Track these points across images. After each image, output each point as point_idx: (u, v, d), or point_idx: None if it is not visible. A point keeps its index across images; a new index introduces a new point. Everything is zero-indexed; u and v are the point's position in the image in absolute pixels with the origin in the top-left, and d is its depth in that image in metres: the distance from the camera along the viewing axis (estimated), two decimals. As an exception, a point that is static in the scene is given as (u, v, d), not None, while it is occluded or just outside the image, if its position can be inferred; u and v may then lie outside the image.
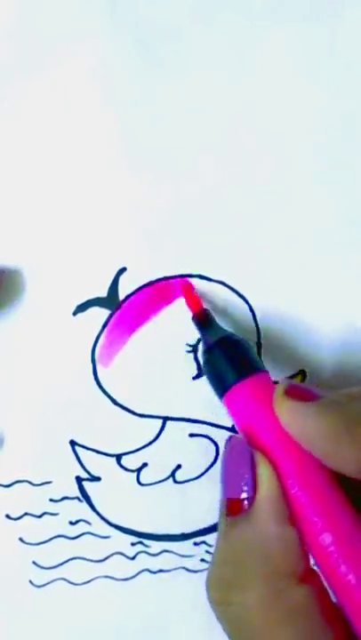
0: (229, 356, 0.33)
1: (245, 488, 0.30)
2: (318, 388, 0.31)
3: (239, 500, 0.30)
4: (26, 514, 0.38)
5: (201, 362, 0.35)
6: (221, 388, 0.33)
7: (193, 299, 0.36)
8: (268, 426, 0.31)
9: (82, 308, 0.36)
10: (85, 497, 0.39)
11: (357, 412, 0.29)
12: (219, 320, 0.35)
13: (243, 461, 0.30)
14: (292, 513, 0.29)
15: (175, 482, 0.39)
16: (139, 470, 0.38)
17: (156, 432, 0.38)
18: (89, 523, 0.39)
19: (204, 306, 0.36)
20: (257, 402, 0.31)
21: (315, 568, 0.29)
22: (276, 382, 0.32)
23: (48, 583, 0.39)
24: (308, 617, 0.28)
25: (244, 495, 0.30)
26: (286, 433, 0.30)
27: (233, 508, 0.30)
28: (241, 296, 0.37)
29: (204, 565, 0.40)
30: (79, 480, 0.38)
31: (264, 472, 0.30)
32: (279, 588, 0.28)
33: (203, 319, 0.35)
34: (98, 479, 0.38)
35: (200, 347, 0.37)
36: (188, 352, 0.37)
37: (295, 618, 0.28)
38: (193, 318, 0.35)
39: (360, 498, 0.29)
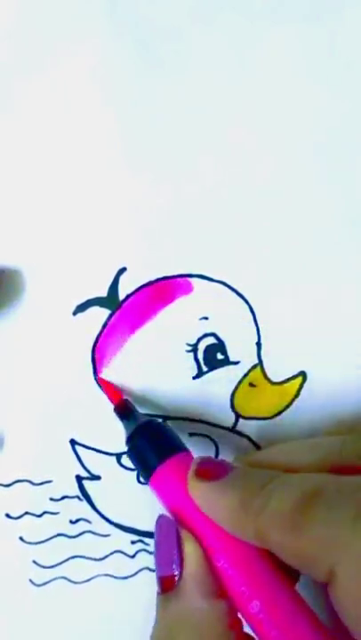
0: (150, 440, 0.34)
1: (174, 566, 0.31)
2: (239, 459, 0.34)
3: (170, 576, 0.31)
4: (26, 513, 0.38)
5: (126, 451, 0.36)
6: (146, 473, 0.34)
7: (112, 391, 0.37)
8: (190, 504, 0.32)
9: (82, 307, 0.36)
10: (85, 496, 0.39)
11: (255, 481, 0.30)
12: (219, 321, 0.36)
13: (171, 540, 0.32)
14: (221, 585, 0.30)
15: (175, 481, 0.39)
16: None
17: (156, 431, 0.38)
18: (89, 521, 0.39)
19: (123, 396, 0.36)
20: (178, 482, 0.33)
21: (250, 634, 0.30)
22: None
23: (48, 582, 0.39)
24: None
25: (174, 572, 0.31)
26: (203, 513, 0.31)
27: (165, 584, 0.31)
28: (241, 296, 0.37)
29: (204, 564, 0.40)
30: (79, 479, 0.38)
31: (189, 549, 0.31)
32: None
33: (123, 409, 0.36)
34: (98, 478, 0.38)
35: (200, 347, 0.37)
36: (188, 352, 0.37)
37: None
38: (114, 410, 0.36)
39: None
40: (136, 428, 0.35)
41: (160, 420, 0.36)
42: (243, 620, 0.30)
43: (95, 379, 0.37)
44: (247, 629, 0.30)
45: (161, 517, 0.33)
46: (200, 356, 0.37)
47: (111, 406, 0.37)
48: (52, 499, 0.38)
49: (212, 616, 0.30)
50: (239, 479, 0.31)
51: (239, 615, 0.30)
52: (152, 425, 0.35)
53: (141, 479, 0.35)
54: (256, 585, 0.29)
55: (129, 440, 0.35)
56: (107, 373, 0.37)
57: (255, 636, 0.29)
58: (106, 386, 0.37)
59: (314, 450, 0.33)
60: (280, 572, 0.30)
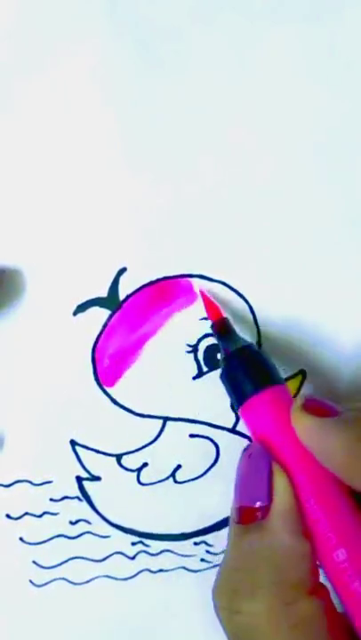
0: (247, 366, 0.33)
1: (260, 497, 0.30)
2: (336, 403, 0.31)
3: (253, 508, 0.30)
4: (26, 513, 0.38)
5: (220, 370, 0.35)
6: (238, 399, 0.33)
7: (212, 307, 0.36)
8: (285, 439, 0.31)
9: (82, 307, 0.36)
10: (86, 497, 0.39)
11: None
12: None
13: (260, 470, 0.30)
14: (305, 526, 0.29)
15: (175, 482, 0.39)
16: (139, 470, 0.38)
17: (157, 432, 0.38)
18: (89, 522, 0.39)
19: (224, 314, 0.35)
20: (274, 414, 0.32)
21: (324, 583, 0.29)
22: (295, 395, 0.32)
23: (48, 583, 0.39)
24: (315, 630, 0.28)
25: (258, 504, 0.30)
26: (303, 447, 0.30)
27: (246, 516, 0.30)
28: (241, 296, 0.37)
29: (205, 565, 0.40)
30: (79, 480, 0.38)
31: (281, 483, 0.30)
32: (289, 599, 0.28)
33: (222, 328, 0.35)
34: (98, 479, 0.38)
35: (200, 347, 0.37)
36: (189, 352, 0.37)
37: (302, 630, 0.28)
38: (212, 327, 0.35)
39: None
40: (235, 351, 0.34)
41: (258, 348, 0.34)
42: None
43: (96, 380, 0.37)
44: (321, 579, 0.30)
45: (252, 445, 0.32)
46: (200, 356, 0.37)
47: (111, 406, 0.37)
48: (52, 499, 0.38)
49: (298, 555, 0.29)
50: (358, 421, 0.29)
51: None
52: (252, 350, 0.34)
53: (234, 403, 0.34)
54: (344, 532, 0.29)
55: (225, 361, 0.34)
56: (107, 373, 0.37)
57: (331, 585, 0.29)
58: (207, 301, 0.36)
59: None
60: None
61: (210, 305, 0.36)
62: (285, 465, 0.30)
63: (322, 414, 0.30)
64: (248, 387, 0.33)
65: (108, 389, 0.37)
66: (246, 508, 0.30)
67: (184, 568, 0.40)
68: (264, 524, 0.29)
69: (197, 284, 0.36)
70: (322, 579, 0.30)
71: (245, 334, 0.37)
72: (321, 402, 0.31)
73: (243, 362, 0.33)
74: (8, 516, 0.38)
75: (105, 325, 0.36)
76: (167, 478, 0.39)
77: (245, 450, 0.32)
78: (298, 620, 0.28)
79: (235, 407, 0.33)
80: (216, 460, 0.39)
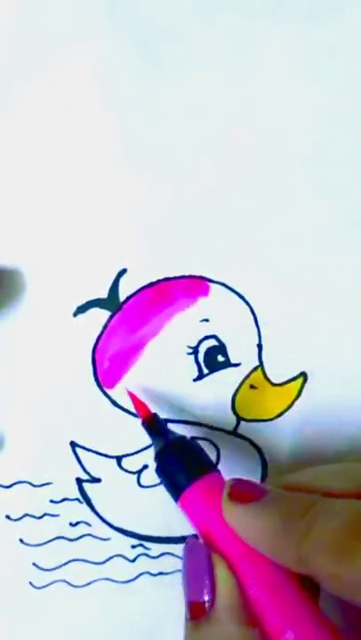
0: (180, 459, 0.34)
1: (205, 591, 0.30)
2: (269, 481, 0.33)
3: (201, 602, 0.30)
4: (26, 515, 0.38)
5: (154, 467, 0.35)
6: (175, 492, 0.33)
7: (140, 405, 0.36)
8: (222, 528, 0.31)
9: (82, 309, 0.36)
10: (86, 498, 0.38)
11: (296, 505, 0.29)
12: (219, 324, 0.36)
13: (201, 565, 0.31)
14: (252, 613, 0.29)
15: (176, 484, 0.39)
16: (139, 472, 0.38)
17: (157, 434, 0.38)
18: (89, 524, 0.39)
19: (152, 411, 0.36)
20: (209, 504, 0.32)
21: None
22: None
23: (48, 585, 0.39)
24: None
25: (205, 598, 0.30)
26: (236, 535, 0.31)
27: (195, 611, 0.30)
28: (242, 297, 0.37)
29: (205, 568, 0.40)
30: (79, 481, 0.38)
31: (221, 575, 0.30)
32: None
33: (152, 424, 0.35)
34: (98, 481, 0.38)
35: (201, 349, 0.37)
36: (189, 354, 0.37)
37: None
38: (142, 424, 0.36)
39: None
40: (165, 445, 0.34)
41: (189, 438, 0.35)
42: None
43: (96, 381, 0.37)
44: None
45: (190, 540, 0.32)
46: (201, 358, 0.37)
47: (112, 408, 0.37)
48: (52, 501, 0.38)
49: None
50: (278, 502, 0.30)
51: None
52: (182, 442, 0.35)
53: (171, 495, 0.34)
54: (290, 615, 0.29)
55: (157, 456, 0.35)
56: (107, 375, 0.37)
57: None
58: (134, 399, 0.36)
59: (348, 475, 0.32)
60: (310, 598, 0.29)
61: (138, 404, 0.36)
62: (225, 554, 0.31)
63: (247, 499, 0.31)
64: (183, 479, 0.33)
65: (109, 391, 0.37)
66: (195, 603, 0.31)
67: (184, 571, 0.40)
68: (211, 617, 0.30)
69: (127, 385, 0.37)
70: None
71: (246, 336, 0.37)
72: (246, 486, 0.32)
73: (175, 455, 0.34)
74: (8, 517, 0.38)
75: (105, 326, 0.36)
76: (168, 480, 0.39)
77: (185, 545, 0.32)
78: None
79: (174, 501, 0.34)
80: (216, 463, 0.39)
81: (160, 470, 0.34)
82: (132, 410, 0.37)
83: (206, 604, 0.30)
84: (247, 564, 0.30)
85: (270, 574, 0.30)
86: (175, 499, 0.33)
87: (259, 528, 0.29)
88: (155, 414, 0.36)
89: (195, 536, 0.33)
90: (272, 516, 0.29)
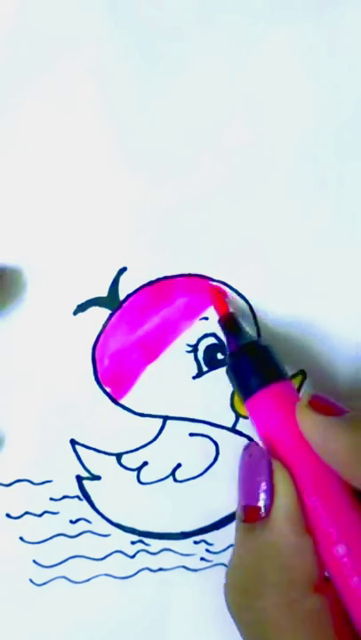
0: (254, 362, 0.33)
1: (263, 496, 0.30)
2: (341, 402, 0.32)
3: (256, 507, 0.30)
4: (26, 513, 0.38)
5: (226, 365, 0.35)
6: (245, 394, 0.33)
7: (220, 302, 0.36)
8: (289, 434, 0.31)
9: (82, 307, 0.36)
10: (86, 496, 0.39)
11: None
12: (214, 321, 0.36)
13: (261, 469, 0.31)
14: (307, 522, 0.29)
15: (175, 481, 0.39)
16: (139, 469, 0.38)
17: (157, 431, 0.38)
18: (89, 521, 0.39)
19: (231, 310, 0.36)
20: (279, 410, 0.32)
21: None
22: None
23: (48, 582, 0.39)
24: (320, 626, 0.28)
25: (261, 503, 0.30)
26: (306, 443, 0.30)
27: (250, 514, 0.30)
28: (241, 296, 0.37)
29: (205, 564, 0.40)
30: (79, 479, 0.38)
31: (282, 481, 0.30)
32: (295, 596, 0.29)
33: (228, 323, 0.35)
34: (98, 478, 0.38)
35: (200, 347, 0.37)
36: (189, 352, 0.37)
37: (309, 625, 0.28)
38: (219, 321, 0.36)
39: None
40: (241, 346, 0.34)
41: (266, 343, 0.35)
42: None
43: (96, 379, 0.37)
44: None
45: (251, 444, 0.32)
46: (200, 355, 0.37)
47: (111, 405, 0.37)
48: (52, 498, 0.38)
49: (301, 552, 0.29)
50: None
51: None
52: (259, 345, 0.34)
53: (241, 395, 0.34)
54: (345, 528, 0.29)
55: (231, 356, 0.34)
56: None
57: (332, 580, 0.29)
58: (215, 295, 0.36)
59: None
60: None
61: (218, 299, 0.36)
62: (287, 461, 0.31)
63: (327, 412, 0.30)
64: (254, 381, 0.33)
65: (108, 390, 0.37)
66: (250, 506, 0.30)
67: (184, 567, 0.40)
68: (267, 522, 0.30)
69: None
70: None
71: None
72: (327, 400, 0.31)
73: (249, 357, 0.34)
74: (8, 515, 0.38)
75: (105, 325, 0.36)
76: (167, 477, 0.39)
77: (246, 449, 0.32)
78: (304, 615, 0.28)
79: (242, 400, 0.33)
80: (216, 459, 0.39)
81: (232, 370, 0.34)
82: (132, 407, 0.37)
83: (262, 509, 0.30)
84: (309, 473, 0.30)
85: (331, 487, 0.30)
86: (244, 399, 0.33)
87: (338, 442, 0.29)
88: (232, 313, 0.35)
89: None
90: (355, 434, 0.29)
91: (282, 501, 0.30)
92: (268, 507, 0.30)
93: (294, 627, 0.28)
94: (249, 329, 0.36)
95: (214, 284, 0.36)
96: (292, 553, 0.29)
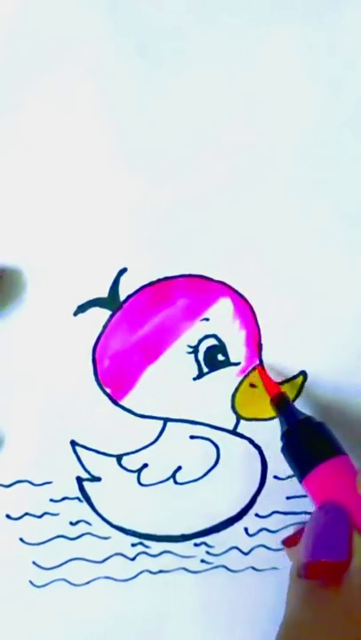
0: (310, 439, 0.35)
1: (338, 553, 0.30)
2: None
3: (328, 563, 0.30)
4: (26, 514, 0.38)
5: (281, 445, 0.36)
6: (302, 471, 0.34)
7: (269, 382, 0.37)
8: (355, 506, 0.31)
9: (82, 308, 0.36)
10: (86, 497, 0.38)
11: None
12: (219, 323, 0.36)
13: (337, 528, 0.31)
14: None
15: (176, 483, 0.39)
16: (139, 471, 0.38)
17: (157, 433, 0.38)
18: (89, 523, 0.39)
19: (281, 389, 0.37)
20: (340, 483, 0.32)
21: None
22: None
23: (48, 583, 0.39)
24: None
25: (335, 559, 0.30)
26: None
27: (316, 571, 0.30)
28: (241, 296, 0.37)
29: (204, 566, 0.40)
30: (80, 480, 0.38)
31: (359, 541, 0.30)
32: None
33: (280, 402, 0.36)
34: (98, 479, 0.38)
35: (201, 348, 0.37)
36: (189, 353, 0.37)
37: None
38: (271, 401, 0.36)
39: None
40: (296, 423, 0.35)
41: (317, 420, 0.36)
42: None
43: (97, 380, 0.37)
44: None
45: (327, 505, 0.32)
46: (201, 357, 0.37)
47: (112, 407, 0.37)
48: (52, 500, 0.38)
49: None
50: None
51: None
52: (312, 422, 0.35)
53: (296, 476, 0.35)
54: None
55: (285, 435, 0.35)
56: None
57: None
58: (264, 376, 0.37)
59: None
60: None
61: (268, 381, 0.37)
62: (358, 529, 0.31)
63: None
64: (312, 458, 0.34)
65: (109, 390, 0.37)
66: (319, 563, 0.30)
67: (184, 569, 0.40)
68: (343, 581, 0.29)
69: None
70: None
71: (246, 335, 0.37)
72: None
73: (305, 434, 0.35)
74: (8, 516, 0.38)
75: (105, 326, 0.36)
76: (167, 479, 0.39)
77: (320, 508, 0.32)
78: None
79: (298, 479, 0.34)
80: (216, 462, 0.39)
81: (288, 448, 0.35)
82: (132, 408, 0.37)
83: (334, 568, 0.30)
84: None
85: None
86: (301, 477, 0.34)
87: None
88: (283, 392, 0.36)
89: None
90: None
91: (360, 561, 0.30)
92: (344, 565, 0.30)
93: None
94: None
95: (261, 367, 0.37)
96: None
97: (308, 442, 0.34)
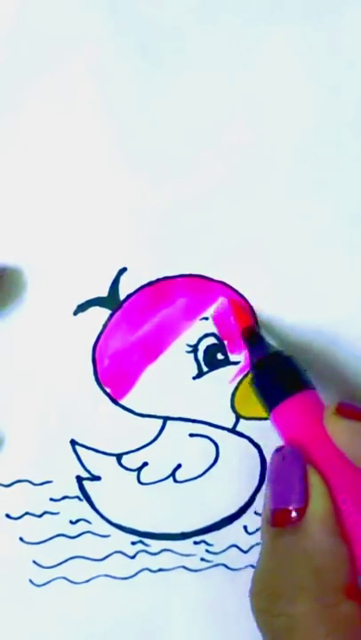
0: (278, 372, 0.34)
1: (296, 499, 0.30)
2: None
3: (288, 510, 0.30)
4: (26, 513, 0.38)
5: (251, 376, 0.35)
6: (270, 404, 0.33)
7: (241, 314, 0.36)
8: (319, 442, 0.31)
9: (82, 307, 0.36)
10: (86, 496, 0.39)
11: None
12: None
13: (294, 472, 0.30)
14: (342, 528, 0.29)
15: (175, 481, 0.39)
16: (139, 469, 0.38)
17: (157, 432, 0.38)
18: (89, 522, 0.39)
19: (252, 322, 0.36)
20: (306, 418, 0.32)
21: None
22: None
23: (48, 582, 0.39)
24: (354, 632, 0.28)
25: (293, 506, 0.30)
26: (337, 450, 0.30)
27: (281, 518, 0.30)
28: (241, 296, 0.37)
29: (205, 564, 0.40)
30: (79, 479, 0.38)
31: (317, 485, 0.30)
32: (329, 602, 0.28)
33: (250, 335, 0.36)
34: (98, 478, 0.38)
35: (200, 347, 0.37)
36: (189, 352, 0.37)
37: (342, 632, 0.28)
38: (241, 334, 0.36)
39: None
40: (265, 357, 0.34)
41: (289, 354, 0.35)
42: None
43: (97, 380, 0.37)
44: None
45: (283, 448, 0.32)
46: (200, 356, 0.37)
47: (112, 406, 0.37)
48: (52, 499, 0.38)
49: (336, 557, 0.29)
50: None
51: None
52: (282, 356, 0.34)
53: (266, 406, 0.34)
54: None
55: (255, 367, 0.35)
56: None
57: None
58: (235, 308, 0.36)
59: None
60: None
61: (238, 312, 0.36)
62: (320, 468, 0.30)
63: (356, 418, 0.30)
64: (280, 391, 0.33)
65: (108, 390, 0.37)
66: (281, 510, 0.30)
67: (184, 567, 0.40)
68: (301, 526, 0.29)
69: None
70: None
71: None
72: (354, 406, 0.31)
73: (274, 368, 0.34)
74: (8, 515, 0.38)
75: (105, 325, 0.36)
76: (167, 478, 0.39)
77: (277, 452, 0.32)
78: (338, 622, 0.28)
79: (266, 412, 0.34)
80: (216, 460, 0.39)
81: (257, 381, 0.34)
82: (132, 407, 0.37)
83: (294, 514, 0.30)
84: (343, 479, 0.30)
85: None
86: (270, 409, 0.33)
87: None
88: (253, 325, 0.36)
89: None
90: None
91: (316, 505, 0.29)
92: (302, 511, 0.29)
93: (327, 633, 0.28)
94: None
95: (234, 298, 0.37)
96: (327, 557, 0.29)
97: (275, 376, 0.34)
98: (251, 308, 0.37)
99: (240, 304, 0.37)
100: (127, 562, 0.40)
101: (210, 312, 0.37)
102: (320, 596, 0.28)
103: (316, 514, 0.29)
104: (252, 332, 0.36)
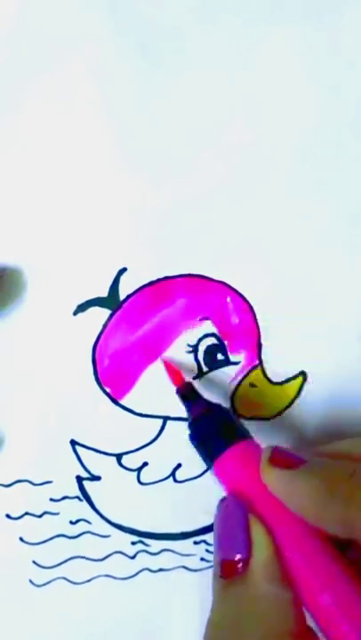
0: (215, 426, 0.34)
1: (240, 549, 0.30)
2: (302, 451, 0.32)
3: (234, 561, 0.30)
4: (26, 513, 0.38)
5: (188, 433, 0.35)
6: (210, 457, 0.34)
7: (174, 373, 0.36)
8: (259, 491, 0.31)
9: (82, 307, 0.36)
10: (86, 496, 0.39)
11: (340, 471, 0.30)
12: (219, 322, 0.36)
13: (237, 523, 0.31)
14: (287, 575, 0.29)
15: (175, 481, 0.39)
16: (139, 469, 0.39)
17: (157, 431, 0.38)
18: (89, 522, 0.39)
19: (186, 379, 0.36)
20: (246, 468, 0.32)
21: (311, 626, 0.29)
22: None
23: (48, 582, 0.39)
24: None
25: (238, 557, 0.30)
26: (275, 498, 0.31)
27: (228, 569, 0.30)
28: (241, 296, 0.37)
29: (205, 564, 0.40)
30: (79, 479, 0.38)
31: (259, 534, 0.30)
32: None
33: (186, 392, 0.36)
34: (98, 478, 0.38)
35: (200, 347, 0.37)
36: (189, 352, 0.37)
37: None
38: (177, 392, 0.36)
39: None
40: (201, 412, 0.35)
41: (225, 406, 0.36)
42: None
43: (97, 380, 0.37)
44: (310, 622, 0.29)
45: (227, 499, 0.32)
46: (200, 356, 0.37)
47: (112, 406, 0.37)
48: (52, 499, 0.38)
49: (281, 604, 0.29)
50: (321, 468, 0.30)
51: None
52: (217, 410, 0.35)
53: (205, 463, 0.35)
54: (327, 576, 0.29)
55: (192, 423, 0.35)
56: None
57: (319, 630, 0.29)
58: (169, 367, 0.37)
59: None
60: (345, 562, 0.29)
61: (172, 371, 0.37)
62: (261, 516, 0.31)
63: (288, 465, 0.31)
64: (218, 445, 0.33)
65: (108, 390, 0.37)
66: (227, 561, 0.31)
67: (184, 567, 0.40)
68: (245, 576, 0.30)
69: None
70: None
71: (246, 334, 0.37)
72: (287, 453, 0.32)
73: (210, 422, 0.34)
74: (8, 515, 0.38)
75: (105, 325, 0.36)
76: (167, 477, 0.39)
77: (222, 502, 0.32)
78: None
79: (208, 467, 0.34)
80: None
81: (195, 436, 0.35)
82: (132, 407, 0.37)
83: (240, 563, 0.30)
84: (284, 526, 0.30)
85: (307, 538, 0.30)
86: (209, 464, 0.34)
87: (301, 493, 0.30)
88: (189, 382, 0.36)
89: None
90: (316, 481, 0.30)
91: (260, 555, 0.30)
92: (246, 561, 0.30)
93: None
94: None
95: (166, 358, 0.37)
96: (272, 605, 0.29)
97: (213, 429, 0.34)
98: (251, 308, 0.37)
99: (172, 364, 0.37)
100: (127, 562, 0.40)
101: (210, 312, 0.37)
102: None
103: (260, 563, 0.30)
104: (187, 390, 0.36)
